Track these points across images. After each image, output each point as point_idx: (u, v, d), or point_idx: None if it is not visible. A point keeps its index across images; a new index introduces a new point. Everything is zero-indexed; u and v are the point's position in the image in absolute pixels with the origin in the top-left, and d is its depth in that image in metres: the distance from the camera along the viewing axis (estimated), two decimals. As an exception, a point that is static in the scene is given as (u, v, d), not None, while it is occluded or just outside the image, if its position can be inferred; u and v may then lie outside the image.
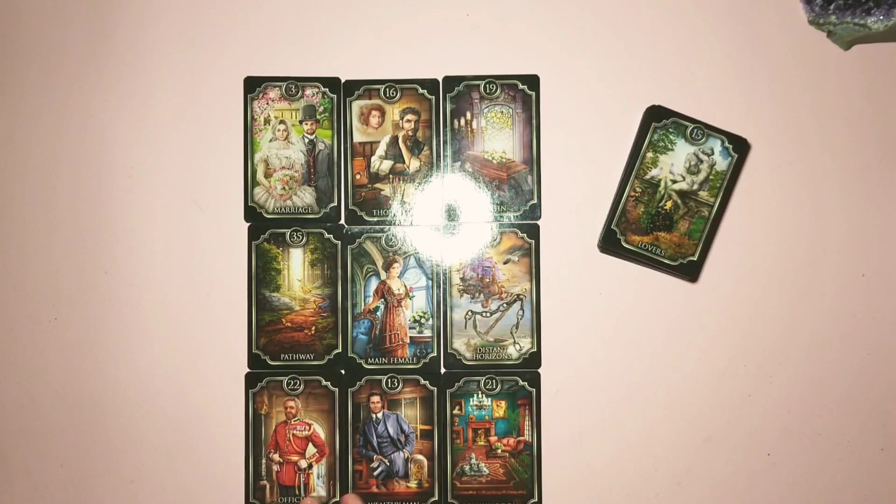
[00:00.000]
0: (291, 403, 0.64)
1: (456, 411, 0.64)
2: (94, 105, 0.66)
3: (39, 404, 0.66)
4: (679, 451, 0.64)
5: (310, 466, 0.64)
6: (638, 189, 0.63)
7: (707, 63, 0.65)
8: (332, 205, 0.65)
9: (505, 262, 0.65)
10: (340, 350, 0.64)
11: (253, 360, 0.64)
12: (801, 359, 0.64)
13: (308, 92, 0.65)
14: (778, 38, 0.65)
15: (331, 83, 0.65)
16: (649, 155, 0.63)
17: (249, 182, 0.65)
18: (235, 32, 0.66)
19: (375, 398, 0.64)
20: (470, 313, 0.64)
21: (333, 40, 0.66)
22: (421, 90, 0.65)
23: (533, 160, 0.65)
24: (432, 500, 0.64)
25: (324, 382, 0.64)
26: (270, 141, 0.65)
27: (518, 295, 0.64)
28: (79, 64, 0.66)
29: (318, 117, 0.65)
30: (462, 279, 0.64)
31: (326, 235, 0.65)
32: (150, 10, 0.66)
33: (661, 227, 0.63)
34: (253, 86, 0.65)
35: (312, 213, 0.65)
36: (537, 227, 0.65)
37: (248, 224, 0.65)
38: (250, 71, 0.66)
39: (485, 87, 0.65)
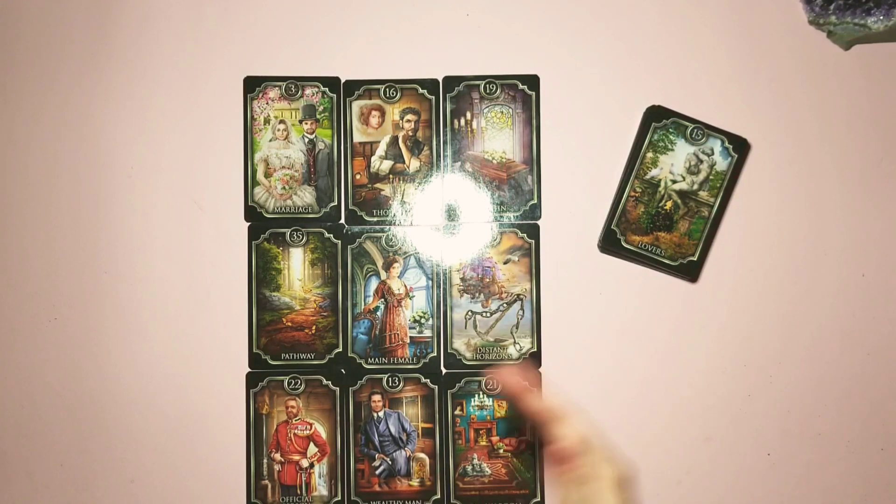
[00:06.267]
0: (292, 403, 0.64)
1: (457, 412, 0.64)
2: (94, 105, 0.66)
3: (39, 404, 0.66)
4: (679, 451, 0.64)
5: (311, 466, 0.64)
6: (638, 189, 0.63)
7: (707, 63, 0.65)
8: (332, 204, 0.65)
9: (505, 262, 0.65)
10: (341, 349, 0.64)
11: (254, 359, 0.64)
12: (801, 359, 0.64)
13: (308, 92, 0.65)
14: (778, 38, 0.65)
15: (331, 83, 0.65)
16: (649, 155, 0.63)
17: (249, 182, 0.65)
18: (235, 32, 0.66)
19: (376, 397, 0.64)
20: (470, 313, 0.64)
21: (333, 40, 0.66)
22: (421, 90, 0.65)
23: (533, 160, 0.65)
24: (435, 497, 0.64)
25: (325, 382, 0.64)
26: (270, 141, 0.65)
27: (518, 295, 0.64)
28: (79, 64, 0.66)
29: (317, 117, 0.65)
30: (462, 279, 0.64)
31: (326, 235, 0.65)
32: (150, 10, 0.66)
33: (661, 227, 0.63)
34: (253, 85, 0.65)
35: (312, 212, 0.65)
36: (537, 227, 0.65)
37: (248, 224, 0.65)
38: (250, 71, 0.65)
39: (485, 87, 0.65)
